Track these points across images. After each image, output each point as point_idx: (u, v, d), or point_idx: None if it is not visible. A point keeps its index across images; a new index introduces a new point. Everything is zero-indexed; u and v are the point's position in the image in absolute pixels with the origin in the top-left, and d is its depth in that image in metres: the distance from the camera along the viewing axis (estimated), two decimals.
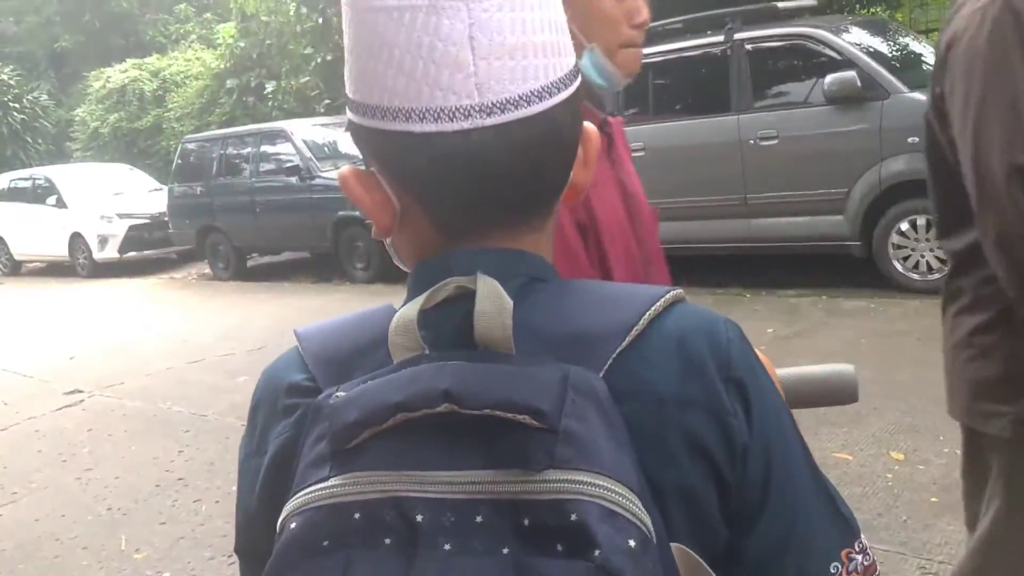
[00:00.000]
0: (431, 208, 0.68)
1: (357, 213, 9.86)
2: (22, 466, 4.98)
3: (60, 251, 13.88)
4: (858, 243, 6.53)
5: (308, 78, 14.74)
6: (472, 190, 0.66)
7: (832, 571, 0.66)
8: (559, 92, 0.67)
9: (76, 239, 13.49)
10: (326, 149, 10.90)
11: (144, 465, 4.77)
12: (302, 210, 10.44)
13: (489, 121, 0.64)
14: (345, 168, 0.72)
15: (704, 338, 0.66)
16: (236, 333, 7.93)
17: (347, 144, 11.12)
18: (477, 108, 0.64)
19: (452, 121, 0.64)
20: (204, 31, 20.76)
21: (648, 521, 0.57)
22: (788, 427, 0.68)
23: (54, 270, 14.49)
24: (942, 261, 6.21)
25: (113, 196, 13.65)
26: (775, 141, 6.73)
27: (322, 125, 11.56)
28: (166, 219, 12.49)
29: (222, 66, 16.34)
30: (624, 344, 0.63)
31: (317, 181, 10.32)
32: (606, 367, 0.63)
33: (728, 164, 6.98)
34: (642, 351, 0.64)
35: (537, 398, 0.57)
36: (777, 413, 0.67)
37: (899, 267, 6.38)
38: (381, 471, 0.58)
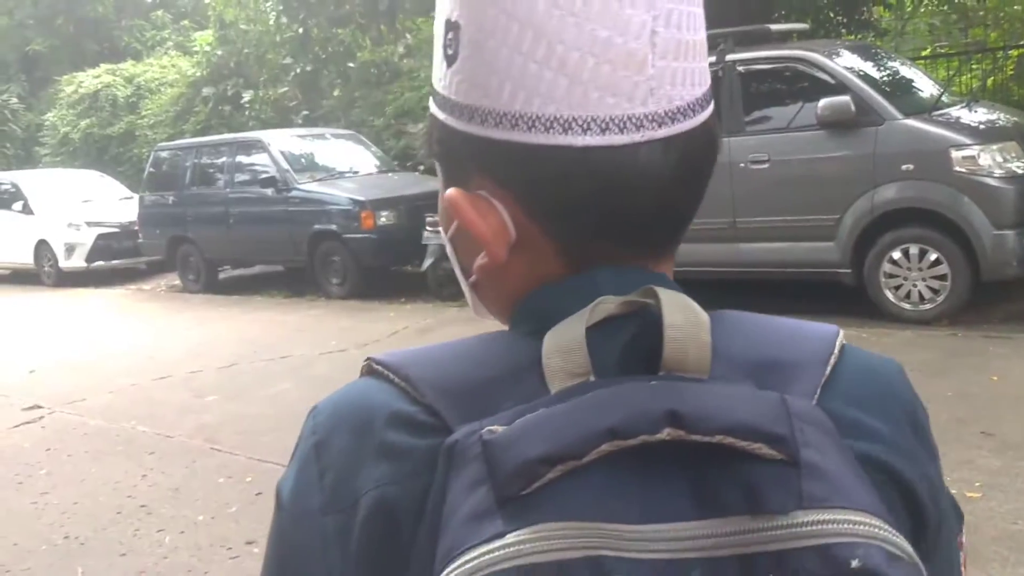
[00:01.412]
0: (566, 237, 0.57)
1: (334, 227, 9.65)
2: None
3: (25, 259, 13.49)
4: (848, 271, 6.41)
5: (287, 88, 14.52)
6: (625, 215, 0.55)
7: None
8: (711, 100, 0.58)
9: (42, 246, 13.12)
10: (303, 161, 10.66)
11: (105, 490, 4.50)
12: (277, 223, 10.18)
13: (660, 133, 0.54)
14: (452, 190, 0.58)
15: (900, 378, 0.60)
16: (205, 349, 7.64)
17: (325, 156, 10.92)
18: (649, 117, 0.53)
19: (622, 133, 0.53)
20: (181, 38, 20.45)
21: (923, 568, 0.48)
22: None
23: (18, 278, 14.08)
24: (934, 291, 6.11)
25: (82, 203, 13.31)
26: (766, 165, 6.60)
27: (300, 136, 11.34)
28: (136, 228, 12.17)
29: (198, 74, 16.06)
30: (827, 374, 0.55)
31: (294, 193, 10.07)
32: (816, 397, 0.53)
33: (717, 187, 6.83)
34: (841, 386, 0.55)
35: (774, 423, 0.46)
36: None
37: (891, 296, 6.26)
38: (575, 522, 0.45)
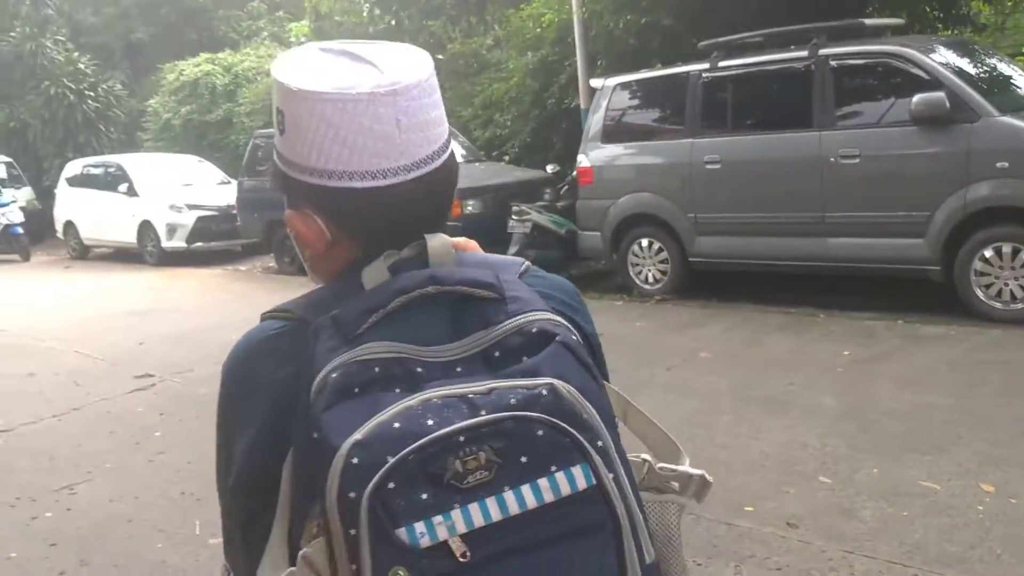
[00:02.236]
0: (362, 238, 0.94)
1: None
2: (95, 446, 5.07)
3: (129, 238, 14.15)
4: (938, 268, 6.36)
5: None
6: (396, 224, 0.93)
7: None
8: (448, 148, 0.96)
9: (145, 227, 13.75)
10: None
11: (215, 453, 4.80)
12: None
13: (411, 175, 0.91)
14: (289, 211, 0.97)
15: (566, 278, 1.05)
16: None
17: None
18: (402, 167, 0.91)
19: (384, 178, 0.90)
20: (276, 29, 21.06)
21: (574, 332, 0.88)
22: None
23: (121, 256, 14.79)
24: None
25: (183, 187, 13.90)
26: (857, 160, 6.59)
27: None
28: (234, 211, 12.67)
29: None
30: (521, 270, 0.98)
31: None
32: (519, 274, 0.97)
33: (807, 181, 6.86)
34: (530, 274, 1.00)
35: (487, 280, 0.86)
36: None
37: (981, 295, 6.20)
38: (387, 342, 0.81)
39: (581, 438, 0.77)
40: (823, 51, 6.87)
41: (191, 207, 13.36)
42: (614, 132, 8.27)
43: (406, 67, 0.91)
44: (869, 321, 6.43)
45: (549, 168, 10.27)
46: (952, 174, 6.17)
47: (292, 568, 0.78)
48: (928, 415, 4.41)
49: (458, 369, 0.81)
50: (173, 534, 3.80)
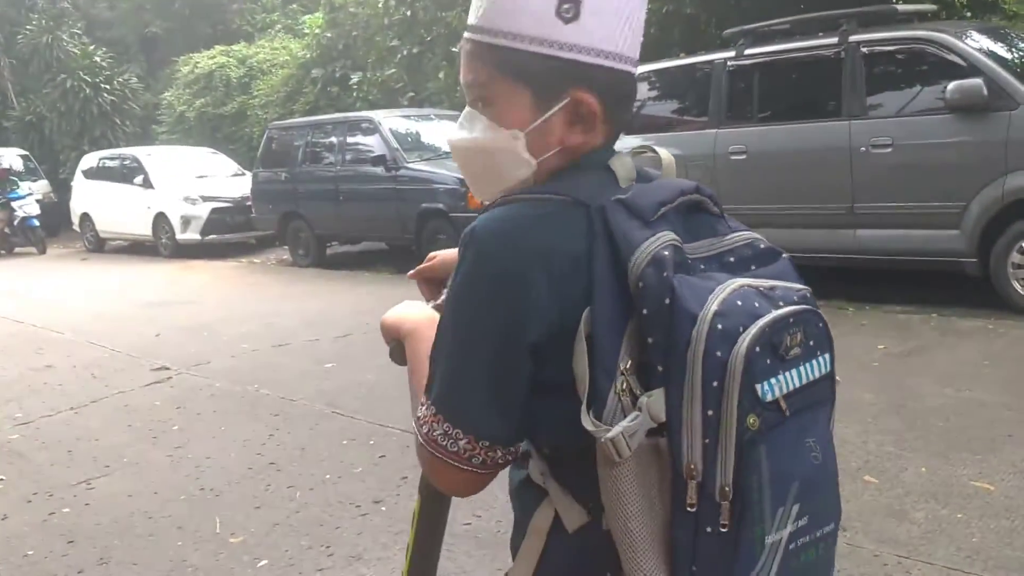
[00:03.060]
0: (610, 120, 1.04)
1: (441, 206, 9.80)
2: (113, 440, 4.97)
3: (144, 230, 14.11)
4: (974, 260, 6.18)
5: (393, 70, 14.71)
6: (628, 114, 1.08)
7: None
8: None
9: (160, 219, 13.70)
10: (411, 140, 10.85)
11: (235, 447, 4.70)
12: (386, 200, 10.39)
13: (637, 69, 1.07)
14: (576, 91, 1.02)
15: None
16: (320, 320, 7.89)
17: (432, 136, 11.06)
18: (635, 62, 1.05)
19: (635, 67, 1.05)
20: (289, 21, 20.95)
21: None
22: None
23: (137, 249, 14.74)
24: None
25: (197, 179, 13.84)
26: (889, 149, 6.41)
27: (408, 117, 11.52)
28: (248, 203, 12.59)
29: (308, 56, 16.44)
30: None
31: (403, 172, 10.26)
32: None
33: (836, 171, 6.68)
34: None
35: (715, 197, 1.05)
36: None
37: (1019, 287, 6.02)
38: (672, 232, 0.95)
39: (829, 332, 0.99)
40: (853, 37, 6.69)
41: (205, 199, 13.30)
42: (640, 122, 8.11)
43: None
44: (902, 315, 6.26)
45: None
46: (989, 163, 5.98)
47: (636, 412, 0.89)
48: (974, 412, 4.24)
49: (702, 267, 0.96)
50: (193, 531, 3.69)
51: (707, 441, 0.87)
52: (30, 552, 3.66)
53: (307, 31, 17.07)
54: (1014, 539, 2.98)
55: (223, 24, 22.45)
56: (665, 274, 0.90)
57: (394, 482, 4.02)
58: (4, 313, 9.43)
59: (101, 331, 8.03)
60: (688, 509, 0.88)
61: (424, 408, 1.02)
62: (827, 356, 0.97)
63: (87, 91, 19.66)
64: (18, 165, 17.37)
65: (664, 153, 1.08)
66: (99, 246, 15.58)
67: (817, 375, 0.95)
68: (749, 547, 0.88)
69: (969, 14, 10.24)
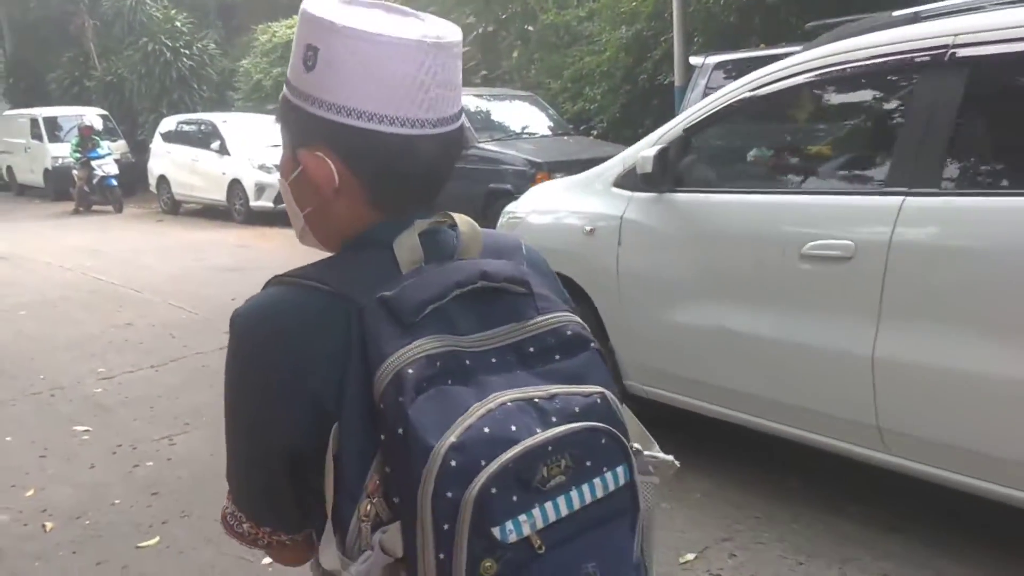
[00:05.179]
0: (371, 187, 0.94)
1: (509, 186, 9.86)
2: (193, 399, 5.18)
3: (218, 195, 14.45)
4: None
5: (468, 48, 14.80)
6: (408, 179, 0.94)
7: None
8: (461, 116, 0.97)
9: (235, 185, 14.02)
10: (481, 120, 10.93)
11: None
12: (455, 179, 10.33)
13: (434, 131, 0.93)
14: (302, 149, 0.94)
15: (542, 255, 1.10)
16: None
17: (503, 116, 11.15)
18: (428, 121, 0.92)
19: (411, 128, 0.91)
20: None
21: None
22: None
23: (210, 213, 15.11)
24: None
25: (271, 147, 14.11)
26: None
27: (481, 96, 11.60)
28: None
29: None
30: (524, 251, 1.05)
31: (472, 151, 10.33)
32: (524, 263, 1.01)
33: None
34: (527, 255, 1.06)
35: (523, 277, 0.94)
36: None
37: None
38: (441, 335, 0.86)
39: (624, 442, 0.90)
40: None
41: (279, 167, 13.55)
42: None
43: (447, 25, 0.95)
44: None
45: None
46: None
47: (369, 551, 0.84)
48: None
49: (493, 360, 0.88)
50: None
51: None
52: (117, 501, 3.88)
53: None
54: None
55: None
56: (401, 399, 0.80)
57: None
58: (85, 269, 9.82)
59: (178, 292, 8.31)
60: None
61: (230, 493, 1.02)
62: (620, 469, 0.88)
63: (167, 55, 20.12)
64: (98, 125, 17.87)
65: (463, 223, 0.96)
66: (174, 208, 16.01)
67: (600, 494, 0.86)
68: None
69: None
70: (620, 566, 0.90)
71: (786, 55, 7.44)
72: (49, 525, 3.68)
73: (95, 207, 16.59)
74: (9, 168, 20.76)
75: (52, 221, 15.55)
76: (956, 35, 2.82)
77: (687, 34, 10.14)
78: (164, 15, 20.86)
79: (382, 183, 0.93)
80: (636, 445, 1.00)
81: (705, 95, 8.10)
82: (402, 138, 0.91)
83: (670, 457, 1.06)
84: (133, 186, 18.10)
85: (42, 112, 19.83)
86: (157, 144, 16.34)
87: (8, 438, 4.73)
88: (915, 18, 3.24)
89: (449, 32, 0.93)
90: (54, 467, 4.31)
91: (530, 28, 14.45)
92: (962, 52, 2.79)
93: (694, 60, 8.52)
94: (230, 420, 0.97)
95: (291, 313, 0.90)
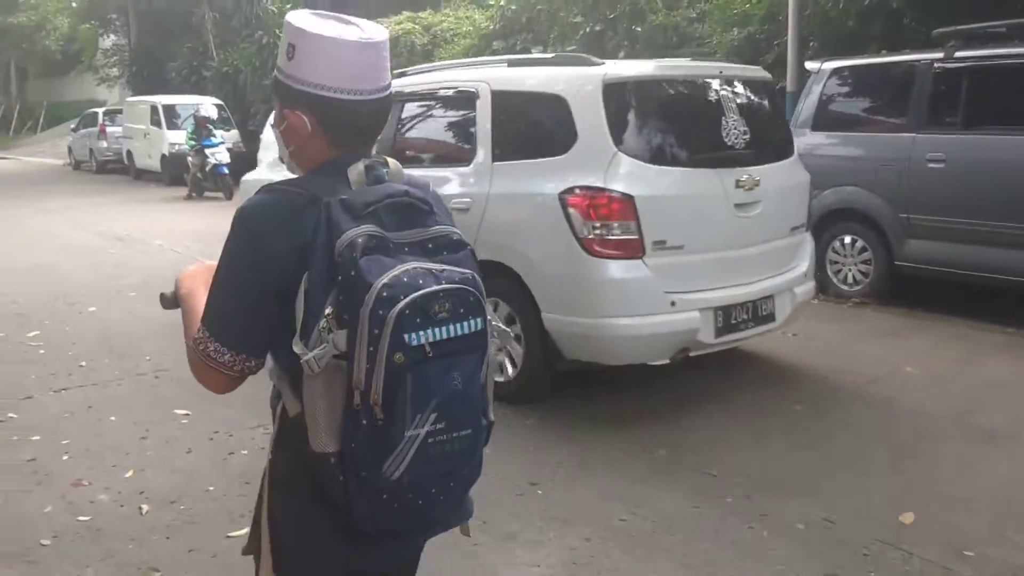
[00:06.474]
0: (333, 134, 1.49)
1: None
2: None
3: None
4: None
5: (574, 46, 14.68)
6: (358, 128, 1.51)
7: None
8: (391, 87, 1.54)
9: None
10: None
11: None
12: None
13: (373, 96, 1.48)
14: (287, 110, 1.49)
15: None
16: None
17: None
18: (369, 90, 1.47)
19: (359, 95, 1.46)
20: None
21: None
22: None
23: None
24: None
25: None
26: None
27: None
28: None
29: (491, 27, 16.62)
30: (430, 187, 1.56)
31: None
32: (429, 193, 1.53)
33: None
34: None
35: (428, 199, 1.47)
36: None
37: None
38: (375, 224, 1.37)
39: (483, 303, 1.43)
40: None
41: None
42: (825, 120, 7.75)
43: (378, 28, 1.49)
44: None
45: None
46: None
47: (325, 344, 1.32)
48: None
49: (406, 249, 1.38)
50: None
51: (369, 367, 1.30)
52: (211, 488, 3.93)
53: (492, 2, 17.25)
54: None
55: None
56: (354, 255, 1.32)
57: (550, 466, 4.07)
58: (195, 254, 10.11)
59: None
60: (355, 408, 1.32)
61: (200, 332, 1.47)
62: (477, 320, 1.39)
63: None
64: (213, 114, 18.45)
65: (393, 163, 1.50)
66: None
67: (466, 331, 1.37)
68: (392, 436, 1.32)
69: None
70: (472, 381, 1.40)
71: (908, 62, 7.15)
72: (145, 508, 3.74)
73: (207, 193, 17.14)
74: (129, 152, 21.65)
75: (166, 205, 16.13)
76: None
77: (802, 38, 9.78)
78: (279, 9, 21.41)
79: (338, 131, 1.49)
80: (493, 320, 1.49)
81: (821, 101, 7.80)
82: (351, 102, 1.46)
83: (508, 329, 1.67)
84: (243, 175, 18.58)
85: (161, 100, 20.62)
86: (267, 134, 16.71)
87: (112, 417, 4.87)
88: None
89: (378, 34, 1.48)
90: (153, 449, 4.41)
91: (638, 28, 14.21)
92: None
93: (810, 65, 8.20)
94: (227, 271, 1.45)
95: (282, 203, 1.44)
